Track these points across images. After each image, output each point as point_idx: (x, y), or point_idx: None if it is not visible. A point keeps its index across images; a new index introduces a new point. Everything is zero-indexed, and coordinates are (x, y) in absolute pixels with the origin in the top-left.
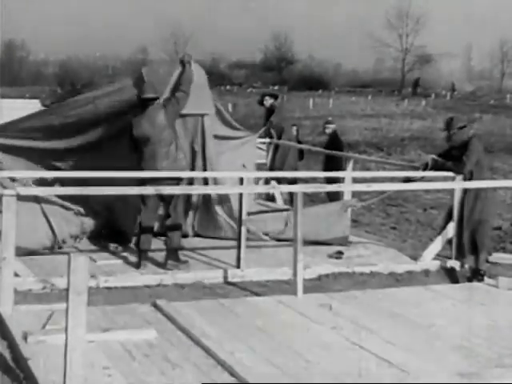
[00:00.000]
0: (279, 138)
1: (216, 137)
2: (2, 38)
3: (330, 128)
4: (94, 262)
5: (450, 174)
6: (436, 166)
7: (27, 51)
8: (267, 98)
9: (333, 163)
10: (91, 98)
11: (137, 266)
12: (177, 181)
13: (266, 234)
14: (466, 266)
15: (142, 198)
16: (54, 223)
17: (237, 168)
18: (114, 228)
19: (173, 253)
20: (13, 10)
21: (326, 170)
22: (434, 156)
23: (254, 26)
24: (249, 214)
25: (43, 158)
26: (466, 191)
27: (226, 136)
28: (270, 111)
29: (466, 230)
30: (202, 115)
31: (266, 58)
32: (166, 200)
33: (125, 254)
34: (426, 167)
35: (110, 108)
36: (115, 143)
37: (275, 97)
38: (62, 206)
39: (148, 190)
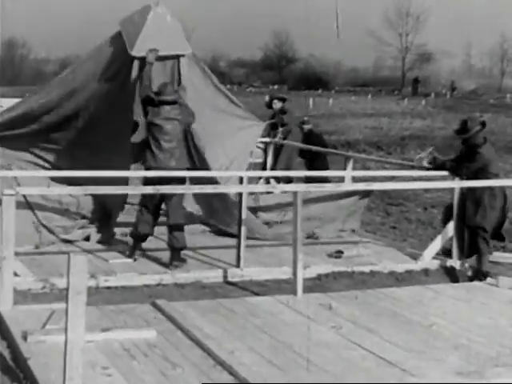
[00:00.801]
0: (285, 138)
1: (219, 110)
2: (3, 36)
3: (305, 128)
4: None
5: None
6: (436, 163)
7: (28, 49)
8: (276, 101)
9: (316, 162)
10: (70, 74)
11: (129, 255)
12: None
13: (267, 223)
14: (466, 264)
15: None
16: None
17: (245, 150)
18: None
19: (178, 252)
20: (14, 8)
21: (309, 169)
22: (435, 154)
23: (254, 24)
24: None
25: (28, 145)
26: (467, 195)
27: (230, 111)
28: (281, 113)
29: (466, 232)
30: (178, 56)
31: (266, 57)
32: (167, 197)
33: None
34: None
35: (87, 77)
36: (93, 114)
37: (283, 100)
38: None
39: (148, 190)
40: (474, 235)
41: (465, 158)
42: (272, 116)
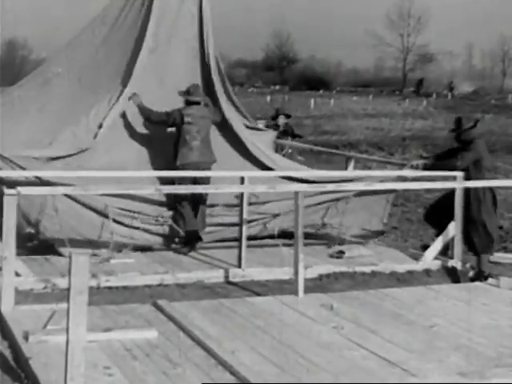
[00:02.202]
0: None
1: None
2: (3, 36)
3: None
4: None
5: (452, 173)
6: (427, 167)
7: (29, 50)
8: (282, 116)
9: None
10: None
11: (189, 250)
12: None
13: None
14: (468, 264)
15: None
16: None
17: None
18: None
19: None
20: (14, 8)
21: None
22: (426, 161)
23: (255, 24)
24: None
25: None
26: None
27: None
28: (288, 129)
29: (463, 230)
30: None
31: (267, 57)
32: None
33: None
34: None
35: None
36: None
37: (288, 116)
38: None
39: (149, 190)
40: (471, 232)
41: (459, 150)
42: (274, 124)
